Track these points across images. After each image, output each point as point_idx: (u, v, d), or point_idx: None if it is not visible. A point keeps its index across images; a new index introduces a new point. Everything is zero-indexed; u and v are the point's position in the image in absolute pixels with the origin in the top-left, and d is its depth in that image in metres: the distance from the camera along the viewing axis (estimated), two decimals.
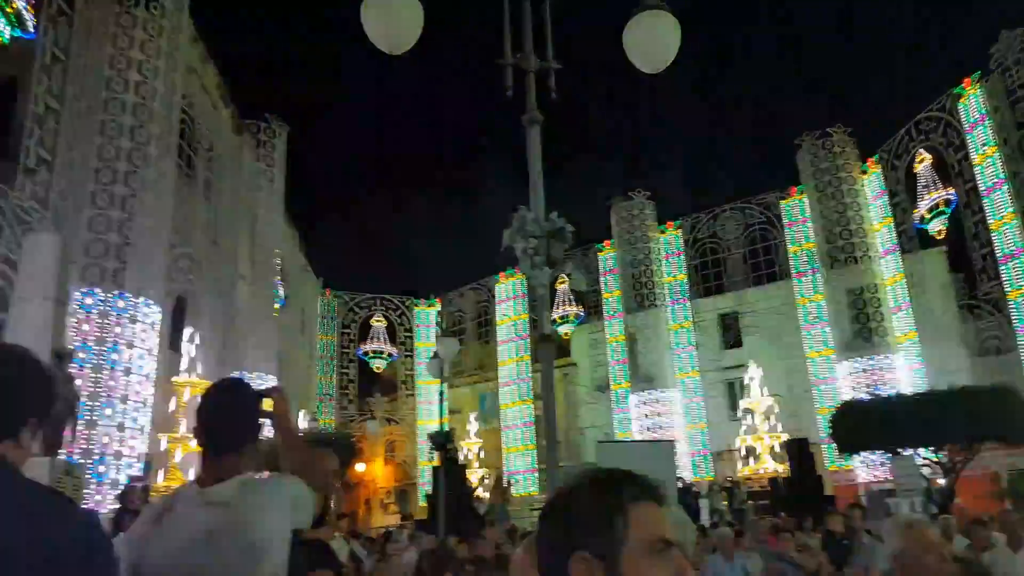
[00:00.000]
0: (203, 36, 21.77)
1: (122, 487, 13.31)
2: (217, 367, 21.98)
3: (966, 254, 22.96)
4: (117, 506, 12.35)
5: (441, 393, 14.97)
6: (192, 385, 19.40)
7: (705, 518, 17.74)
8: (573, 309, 33.44)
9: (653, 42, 4.44)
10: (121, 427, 15.20)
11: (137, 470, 15.23)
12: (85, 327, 15.19)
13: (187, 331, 20.52)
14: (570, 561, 1.01)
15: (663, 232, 31.00)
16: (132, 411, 15.56)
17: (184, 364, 19.80)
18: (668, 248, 30.93)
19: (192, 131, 22.03)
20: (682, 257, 30.77)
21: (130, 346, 15.82)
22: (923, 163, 25.17)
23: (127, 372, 15.65)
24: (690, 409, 28.66)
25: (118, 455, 15.02)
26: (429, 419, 31.75)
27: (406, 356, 35.90)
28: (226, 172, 23.98)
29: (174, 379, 19.17)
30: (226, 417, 2.00)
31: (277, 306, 25.56)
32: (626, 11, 4.52)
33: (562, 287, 32.88)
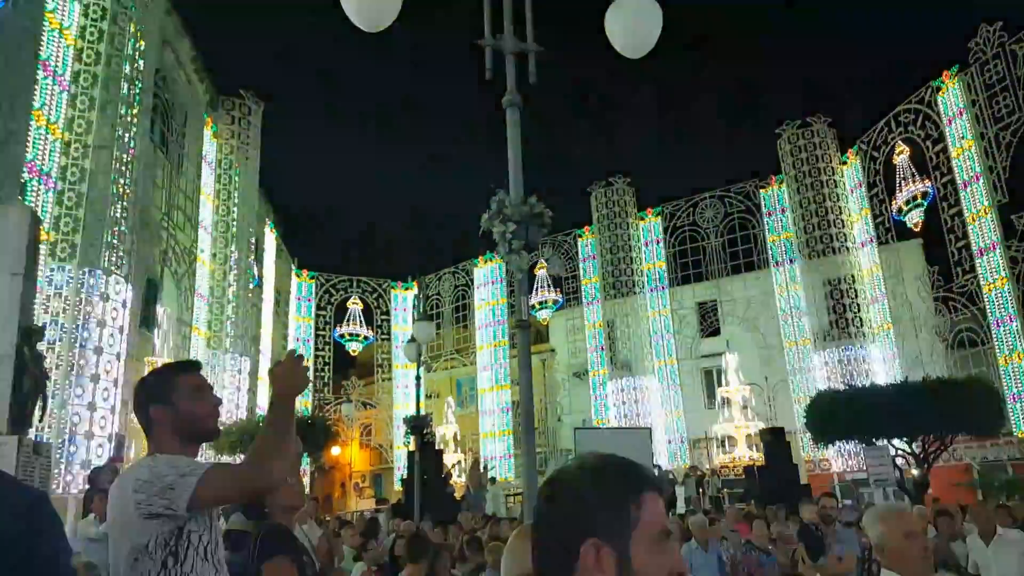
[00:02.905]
0: (179, 8, 21.26)
1: (93, 467, 13.09)
2: (189, 347, 21.72)
3: (942, 247, 23.20)
4: (87, 487, 12.15)
5: (418, 377, 14.86)
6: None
7: (681, 506, 17.90)
8: (552, 295, 33.41)
9: (634, 27, 4.35)
10: (92, 406, 14.96)
11: (109, 450, 15.04)
12: (55, 304, 14.91)
13: (159, 310, 20.23)
14: (580, 546, 1.00)
15: (643, 219, 31.00)
16: (103, 390, 15.32)
17: (156, 344, 19.55)
18: (647, 235, 30.95)
19: (165, 105, 21.57)
20: (661, 244, 30.82)
21: (101, 325, 15.53)
22: (901, 155, 25.33)
23: (98, 351, 15.38)
24: (667, 396, 28.83)
25: (89, 435, 14.80)
26: (406, 403, 31.65)
27: (383, 339, 35.71)
28: (200, 148, 23.54)
29: (147, 359, 18.93)
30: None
31: (251, 286, 25.25)
32: None
33: (541, 272, 32.86)
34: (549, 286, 33.27)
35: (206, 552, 1.97)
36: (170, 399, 2.11)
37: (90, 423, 14.89)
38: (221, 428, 2.40)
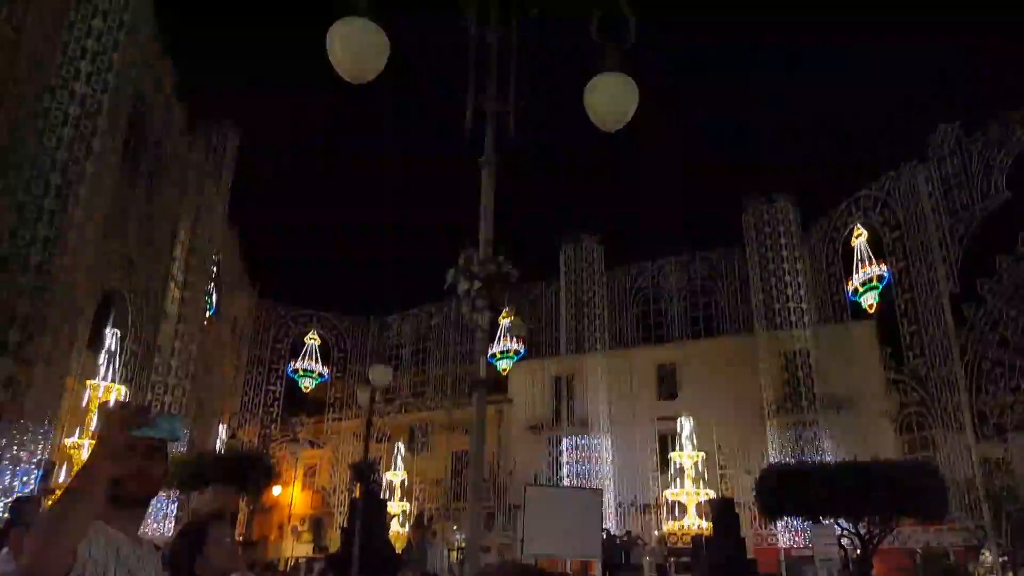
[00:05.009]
0: (165, 32, 21.21)
1: (16, 496, 12.36)
2: (136, 372, 21.04)
3: (895, 329, 23.78)
4: (7, 516, 11.45)
5: (369, 422, 14.50)
6: (107, 388, 18.55)
7: None
8: (514, 345, 33.29)
9: (611, 103, 4.45)
10: (24, 430, 14.24)
11: (36, 478, 14.24)
12: None
13: (109, 332, 19.65)
14: None
15: (609, 278, 31.30)
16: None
17: (103, 367, 18.92)
18: (612, 294, 31.22)
19: (141, 126, 21.33)
20: (625, 304, 31.08)
21: None
22: (860, 238, 26.12)
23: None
24: (621, 458, 28.58)
25: (15, 459, 14.04)
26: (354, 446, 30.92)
27: (337, 377, 35.04)
28: (171, 171, 23.25)
29: (90, 382, 18.29)
30: None
31: (208, 313, 24.68)
32: (588, 60, 4.51)
33: (505, 321, 32.77)
34: (512, 336, 33.17)
35: None
36: None
37: (17, 447, 14.15)
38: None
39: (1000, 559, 18.81)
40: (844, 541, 16.01)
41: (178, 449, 20.54)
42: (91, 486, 1.67)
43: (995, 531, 19.27)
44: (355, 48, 4.16)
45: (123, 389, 19.05)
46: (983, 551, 19.54)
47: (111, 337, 19.76)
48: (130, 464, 1.98)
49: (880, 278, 25.34)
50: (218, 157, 25.39)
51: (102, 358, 19.15)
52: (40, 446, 14.65)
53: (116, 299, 20.76)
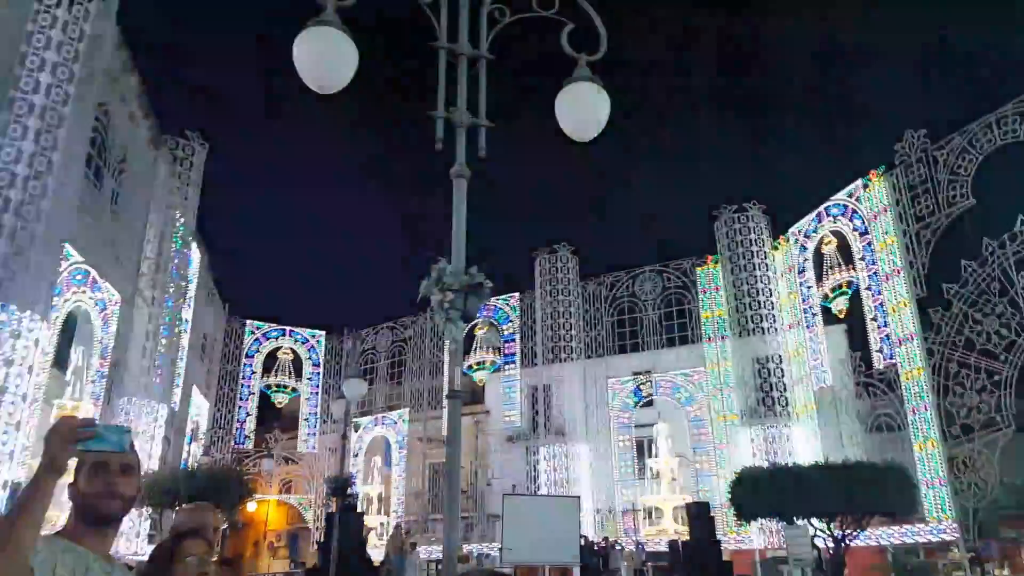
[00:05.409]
0: (130, 45, 20.92)
1: None
2: (106, 391, 20.64)
3: (865, 334, 24.16)
4: None
5: (344, 436, 14.40)
6: (76, 409, 18.17)
7: None
8: (490, 356, 33.25)
9: (583, 112, 4.48)
10: None
11: (2, 500, 13.92)
12: None
13: (76, 351, 19.25)
14: None
15: (584, 287, 31.46)
16: (2, 434, 14.28)
17: (69, 386, 18.53)
18: (587, 303, 31.37)
19: (105, 141, 20.96)
20: (600, 313, 31.22)
21: (8, 363, 14.59)
22: (829, 245, 26.56)
23: (1, 391, 14.41)
24: (598, 465, 28.69)
25: None
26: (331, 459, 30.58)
27: (312, 392, 34.68)
28: (137, 186, 22.87)
29: (56, 401, 17.90)
30: None
31: (176, 330, 24.28)
32: (562, 70, 4.55)
33: (481, 332, 32.76)
34: (488, 347, 33.14)
35: None
36: (77, 477, 2.03)
37: None
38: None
39: (967, 555, 19.21)
40: (818, 541, 16.23)
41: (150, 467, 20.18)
42: (34, 502, 1.66)
43: (963, 529, 19.66)
44: (323, 57, 4.15)
45: (91, 408, 18.67)
46: (951, 548, 19.92)
47: (77, 355, 19.36)
48: (100, 482, 1.99)
49: (849, 283, 25.77)
50: (185, 170, 25.06)
51: (68, 377, 18.76)
52: (7, 467, 14.31)
53: (82, 317, 20.33)
